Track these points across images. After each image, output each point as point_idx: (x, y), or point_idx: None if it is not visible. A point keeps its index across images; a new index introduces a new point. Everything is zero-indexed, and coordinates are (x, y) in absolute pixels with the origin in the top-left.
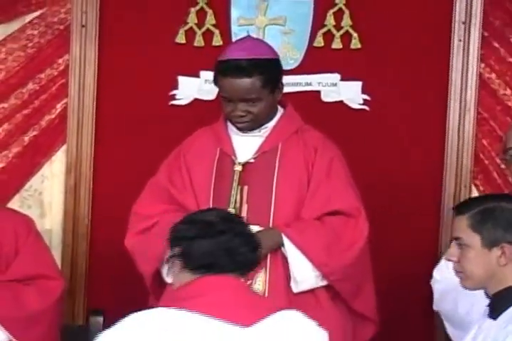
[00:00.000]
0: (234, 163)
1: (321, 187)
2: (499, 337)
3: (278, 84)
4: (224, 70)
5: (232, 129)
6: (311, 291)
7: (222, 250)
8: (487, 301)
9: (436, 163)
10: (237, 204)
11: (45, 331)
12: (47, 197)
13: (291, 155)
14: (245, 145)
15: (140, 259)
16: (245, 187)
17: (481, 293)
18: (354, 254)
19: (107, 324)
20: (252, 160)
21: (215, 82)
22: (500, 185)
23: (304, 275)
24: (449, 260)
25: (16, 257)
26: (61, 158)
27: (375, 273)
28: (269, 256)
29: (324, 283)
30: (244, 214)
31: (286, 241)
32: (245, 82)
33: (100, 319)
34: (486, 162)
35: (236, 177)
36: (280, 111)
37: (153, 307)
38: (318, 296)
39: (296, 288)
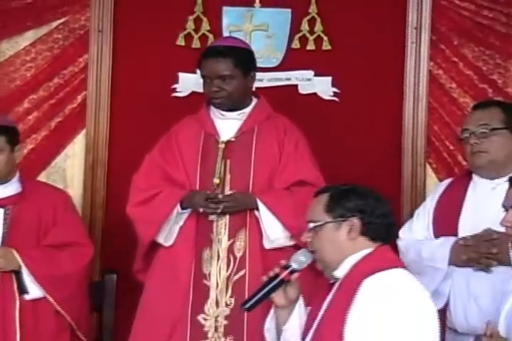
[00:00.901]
0: (218, 142)
1: (290, 161)
2: None
3: (250, 71)
4: (205, 53)
5: (214, 114)
6: (282, 251)
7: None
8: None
9: (395, 145)
10: (222, 175)
11: (75, 290)
12: (69, 173)
13: (265, 135)
14: (226, 127)
15: (141, 225)
16: (228, 161)
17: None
18: None
19: (119, 281)
20: (233, 139)
21: (199, 65)
22: (450, 163)
23: (276, 235)
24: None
25: (54, 226)
26: (81, 140)
27: None
28: (248, 219)
29: (292, 242)
30: (227, 182)
31: (260, 205)
32: (221, 61)
33: (114, 276)
34: (437, 144)
35: (220, 153)
36: (254, 100)
37: (138, 268)
38: (288, 256)
39: (268, 245)
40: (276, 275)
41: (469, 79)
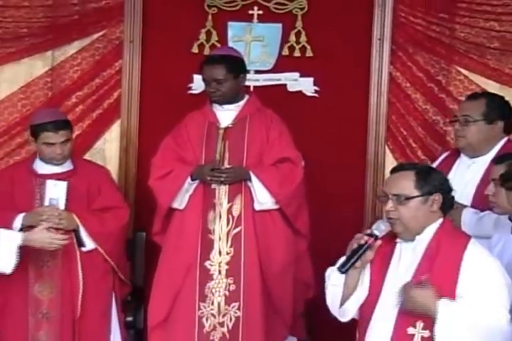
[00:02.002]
0: (218, 128)
1: (275, 143)
2: None
3: (240, 74)
4: (204, 61)
5: (215, 107)
6: (269, 213)
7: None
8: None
9: (362, 131)
10: (221, 153)
11: (117, 244)
12: (108, 154)
13: (255, 122)
14: (225, 116)
15: (160, 194)
16: (226, 142)
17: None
18: (294, 187)
19: (147, 237)
20: (230, 125)
21: (200, 70)
22: (403, 145)
23: (264, 200)
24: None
25: (99, 194)
26: (117, 128)
27: (313, 207)
28: (243, 187)
29: (277, 206)
30: (226, 159)
31: (253, 177)
32: (216, 67)
33: (143, 234)
34: (394, 130)
35: (220, 136)
36: (246, 96)
37: (156, 231)
38: (273, 217)
39: (257, 207)
40: (365, 243)
41: (420, 80)
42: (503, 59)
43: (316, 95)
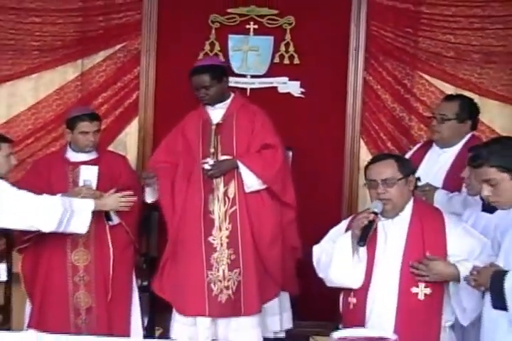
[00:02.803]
0: (211, 124)
1: (258, 133)
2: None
3: (222, 78)
4: (192, 71)
5: (207, 107)
6: (259, 193)
7: None
8: None
9: (341, 125)
10: (215, 146)
11: (136, 219)
12: (128, 144)
13: (241, 117)
14: (216, 114)
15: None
16: (218, 136)
17: None
18: (276, 168)
19: (160, 215)
20: (221, 122)
21: (189, 79)
22: (375, 138)
23: (252, 182)
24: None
25: (120, 178)
26: (135, 124)
27: (301, 187)
28: (235, 174)
29: (264, 186)
30: (219, 151)
31: (240, 164)
32: (201, 76)
33: (156, 213)
34: (367, 125)
35: (213, 131)
36: (232, 95)
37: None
38: (262, 196)
39: (247, 190)
40: (373, 219)
41: (389, 83)
42: (458, 66)
43: (302, 96)
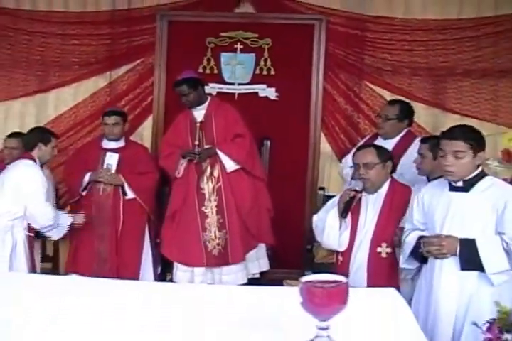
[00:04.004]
0: (196, 122)
1: (231, 125)
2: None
3: (198, 86)
4: (174, 83)
5: (192, 109)
6: (238, 171)
7: None
8: None
9: (306, 122)
10: (200, 139)
11: (151, 194)
12: (144, 136)
13: (218, 115)
14: (198, 114)
15: (168, 167)
16: (202, 132)
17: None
18: (246, 152)
19: (169, 189)
20: (203, 120)
21: (173, 89)
22: (333, 132)
23: (229, 164)
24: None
25: (139, 163)
26: (150, 120)
27: (275, 167)
28: (218, 159)
29: (239, 166)
30: (204, 143)
31: (218, 151)
32: (181, 87)
33: (166, 188)
34: (326, 121)
35: (197, 128)
36: (209, 98)
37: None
38: (240, 173)
39: (227, 170)
40: (354, 196)
41: (342, 90)
42: (393, 77)
43: (277, 99)
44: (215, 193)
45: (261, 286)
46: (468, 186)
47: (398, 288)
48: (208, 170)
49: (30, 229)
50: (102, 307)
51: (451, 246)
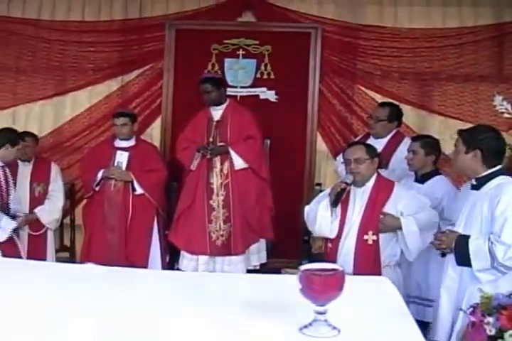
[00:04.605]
0: (213, 121)
1: (245, 127)
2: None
3: (220, 87)
4: (199, 81)
5: (212, 108)
6: (245, 170)
7: None
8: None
9: (303, 123)
10: (214, 136)
11: (159, 190)
12: (154, 136)
13: (234, 117)
14: (216, 114)
15: (184, 160)
16: (217, 130)
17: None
18: (255, 152)
19: (178, 185)
20: (220, 119)
21: (198, 86)
22: (328, 132)
23: (239, 162)
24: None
25: (149, 160)
26: (159, 121)
27: (275, 165)
28: (228, 156)
29: (247, 165)
30: (217, 141)
31: (230, 150)
32: (206, 85)
33: (175, 183)
34: (322, 122)
35: (213, 126)
36: (228, 100)
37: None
38: (248, 172)
39: (236, 168)
40: (344, 188)
41: (337, 93)
42: (383, 81)
43: (276, 101)
44: (223, 188)
45: (261, 274)
46: (479, 184)
47: (380, 273)
48: (218, 166)
49: None
50: (109, 292)
51: (449, 241)
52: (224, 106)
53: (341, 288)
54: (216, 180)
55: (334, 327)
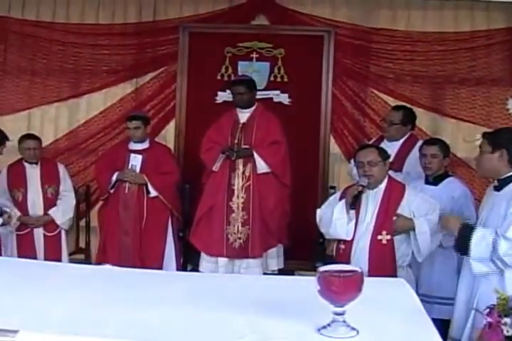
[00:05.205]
0: (239, 123)
1: (270, 132)
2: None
3: (252, 89)
4: (232, 83)
5: (238, 110)
6: (267, 174)
7: None
8: None
9: (317, 125)
10: (240, 139)
11: (172, 192)
12: (168, 138)
13: (260, 120)
14: (243, 116)
15: (208, 160)
16: (243, 133)
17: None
18: (279, 158)
19: (190, 188)
20: (246, 122)
21: (230, 88)
22: (341, 134)
23: (262, 166)
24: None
25: (163, 163)
26: (173, 123)
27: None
28: (251, 159)
29: (270, 170)
30: (242, 143)
31: (254, 154)
32: (239, 86)
33: (188, 186)
34: (335, 125)
35: (239, 128)
36: (256, 104)
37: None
38: (269, 176)
39: (258, 171)
40: (361, 190)
41: (350, 96)
42: (396, 84)
43: (290, 104)
44: (244, 191)
45: (277, 276)
46: (501, 186)
47: (395, 273)
48: (241, 168)
49: None
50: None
51: (455, 223)
52: (252, 109)
53: (360, 289)
54: (238, 182)
55: (353, 328)
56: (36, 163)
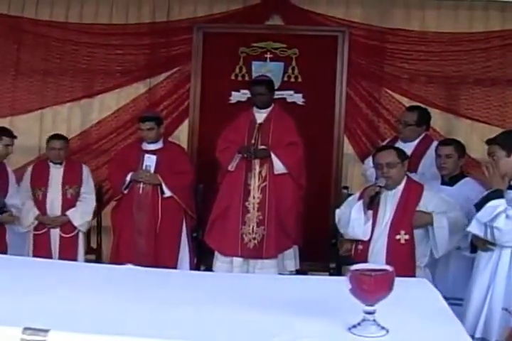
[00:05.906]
0: (256, 123)
1: (287, 133)
2: None
3: (272, 90)
4: (253, 82)
5: (255, 110)
6: (283, 175)
7: None
8: None
9: (331, 126)
10: (256, 139)
11: (187, 192)
12: (181, 138)
13: (277, 121)
14: (260, 116)
15: (223, 160)
16: (260, 132)
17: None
18: (296, 159)
19: (204, 188)
20: (263, 122)
21: (250, 88)
22: (355, 135)
23: (279, 167)
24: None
25: (177, 163)
26: (186, 124)
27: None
28: (268, 160)
29: (286, 171)
30: (259, 142)
31: (272, 154)
32: (260, 87)
33: (201, 186)
34: (349, 126)
35: (256, 128)
36: (273, 105)
37: (220, 181)
38: (286, 177)
39: (275, 172)
40: (378, 191)
41: (364, 96)
42: (410, 85)
43: (303, 104)
44: (260, 191)
45: (306, 275)
46: None
47: (414, 273)
48: (257, 168)
49: None
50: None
51: (495, 173)
52: (269, 109)
53: (391, 287)
54: (254, 182)
55: (383, 327)
56: (60, 164)
